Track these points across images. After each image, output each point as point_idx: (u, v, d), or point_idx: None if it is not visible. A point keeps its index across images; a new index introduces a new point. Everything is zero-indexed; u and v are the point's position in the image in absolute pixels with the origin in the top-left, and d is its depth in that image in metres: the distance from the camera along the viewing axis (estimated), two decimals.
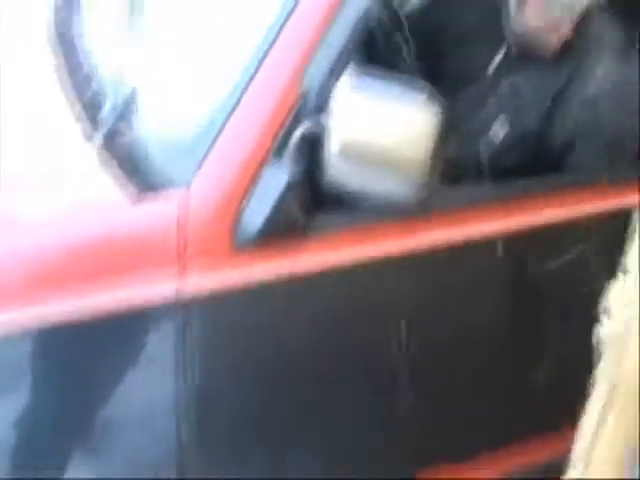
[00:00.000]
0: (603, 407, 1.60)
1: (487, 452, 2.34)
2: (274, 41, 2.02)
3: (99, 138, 2.11)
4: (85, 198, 2.04)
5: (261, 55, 2.02)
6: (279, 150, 1.99)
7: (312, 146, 1.97)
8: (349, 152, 1.91)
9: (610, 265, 1.66)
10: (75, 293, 1.93)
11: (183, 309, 1.99)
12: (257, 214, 1.98)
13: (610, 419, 1.61)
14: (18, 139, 2.18)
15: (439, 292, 2.18)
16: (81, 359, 1.97)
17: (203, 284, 2.00)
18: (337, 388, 2.14)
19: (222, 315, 2.04)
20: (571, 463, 1.66)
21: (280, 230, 2.00)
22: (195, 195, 2.00)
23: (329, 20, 2.01)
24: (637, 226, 1.57)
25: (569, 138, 2.34)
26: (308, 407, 2.14)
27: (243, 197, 1.99)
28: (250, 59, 2.03)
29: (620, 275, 1.60)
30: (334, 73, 1.97)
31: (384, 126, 1.91)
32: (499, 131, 2.34)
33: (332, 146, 1.93)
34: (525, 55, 2.41)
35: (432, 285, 2.17)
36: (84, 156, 2.13)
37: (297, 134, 1.97)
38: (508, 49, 2.43)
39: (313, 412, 2.15)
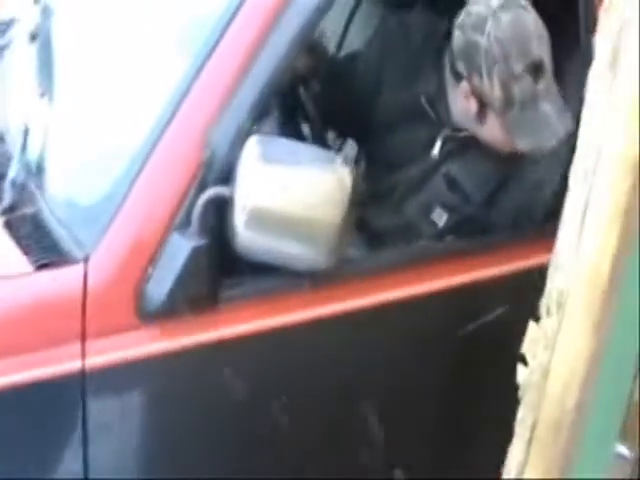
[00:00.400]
0: (524, 453, 1.59)
1: None
2: (177, 106, 1.98)
3: (0, 207, 2.06)
4: None
5: (164, 121, 1.98)
6: (184, 218, 1.94)
7: (219, 212, 1.94)
8: (255, 221, 1.88)
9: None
10: None
11: (86, 383, 1.93)
12: (162, 284, 1.93)
13: (527, 469, 1.61)
14: None
15: (355, 358, 2.13)
16: None
17: (106, 358, 1.94)
18: (243, 458, 2.10)
19: (126, 388, 1.99)
20: None
21: (186, 300, 1.95)
22: (97, 266, 1.95)
23: (235, 83, 1.96)
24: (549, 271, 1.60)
25: (510, 219, 2.31)
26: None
27: (147, 267, 1.94)
28: (153, 126, 1.99)
29: (535, 321, 1.61)
30: (240, 137, 1.93)
31: (293, 192, 1.88)
32: (440, 217, 2.30)
33: (237, 214, 1.89)
34: (468, 145, 2.33)
35: (348, 351, 2.13)
36: None
37: (201, 201, 1.92)
38: (449, 136, 2.34)
39: None
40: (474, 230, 2.29)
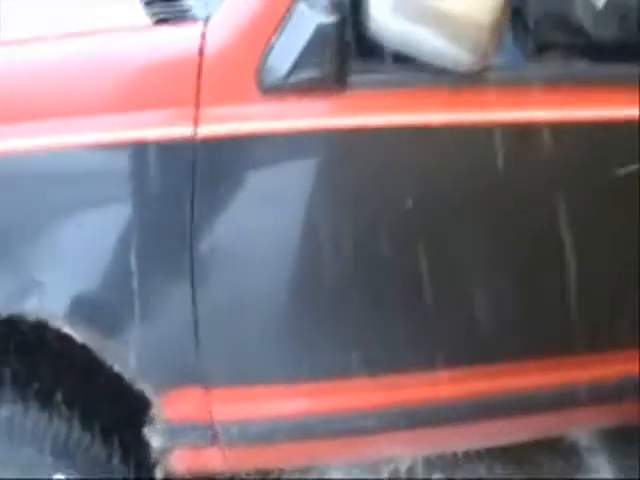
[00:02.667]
0: None
1: None
2: None
3: None
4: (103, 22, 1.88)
5: None
6: None
7: None
8: (397, 5, 1.74)
9: None
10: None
11: (197, 152, 1.83)
12: (285, 57, 1.81)
13: None
14: None
15: (478, 174, 1.97)
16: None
17: (221, 127, 1.84)
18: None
19: (238, 163, 1.87)
20: None
21: (310, 78, 1.82)
22: (218, 27, 1.82)
23: None
24: None
25: None
26: None
27: (271, 35, 1.81)
28: None
29: None
30: None
31: None
32: None
33: None
34: None
35: (474, 164, 1.96)
36: None
37: None
38: None
39: None
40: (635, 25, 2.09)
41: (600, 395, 2.23)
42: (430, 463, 2.78)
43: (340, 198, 1.94)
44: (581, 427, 2.65)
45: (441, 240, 2.00)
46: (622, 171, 2.00)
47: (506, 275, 2.07)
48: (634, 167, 1.99)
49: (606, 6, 2.05)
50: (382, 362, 2.08)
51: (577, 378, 2.20)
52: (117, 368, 1.93)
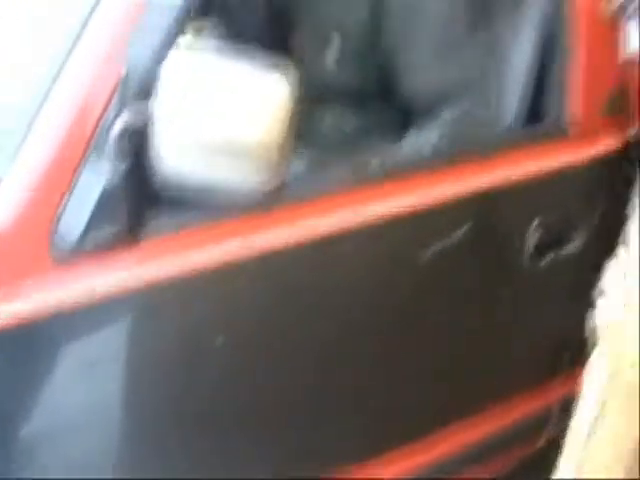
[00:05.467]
0: (599, 405, 1.46)
1: None
2: (89, 16, 1.75)
3: None
4: None
5: (74, 36, 1.75)
6: (99, 146, 1.72)
7: (138, 138, 1.71)
8: (181, 147, 1.68)
9: None
10: None
11: None
12: (75, 221, 1.72)
13: (608, 418, 1.48)
14: None
15: (296, 298, 1.97)
16: None
17: (16, 306, 1.70)
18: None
19: (42, 341, 1.75)
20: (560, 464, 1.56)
21: (103, 238, 1.74)
22: (6, 197, 1.71)
23: None
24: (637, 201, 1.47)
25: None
26: None
27: (59, 202, 1.72)
28: (62, 42, 1.76)
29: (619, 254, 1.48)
30: (163, 49, 1.71)
31: (225, 111, 1.68)
32: None
33: (160, 141, 1.68)
34: None
35: (289, 288, 1.96)
36: None
37: (117, 126, 1.70)
38: None
39: None
40: None
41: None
42: None
43: (154, 352, 1.85)
44: None
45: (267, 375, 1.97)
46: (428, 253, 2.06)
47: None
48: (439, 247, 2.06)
49: None
50: None
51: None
52: None
